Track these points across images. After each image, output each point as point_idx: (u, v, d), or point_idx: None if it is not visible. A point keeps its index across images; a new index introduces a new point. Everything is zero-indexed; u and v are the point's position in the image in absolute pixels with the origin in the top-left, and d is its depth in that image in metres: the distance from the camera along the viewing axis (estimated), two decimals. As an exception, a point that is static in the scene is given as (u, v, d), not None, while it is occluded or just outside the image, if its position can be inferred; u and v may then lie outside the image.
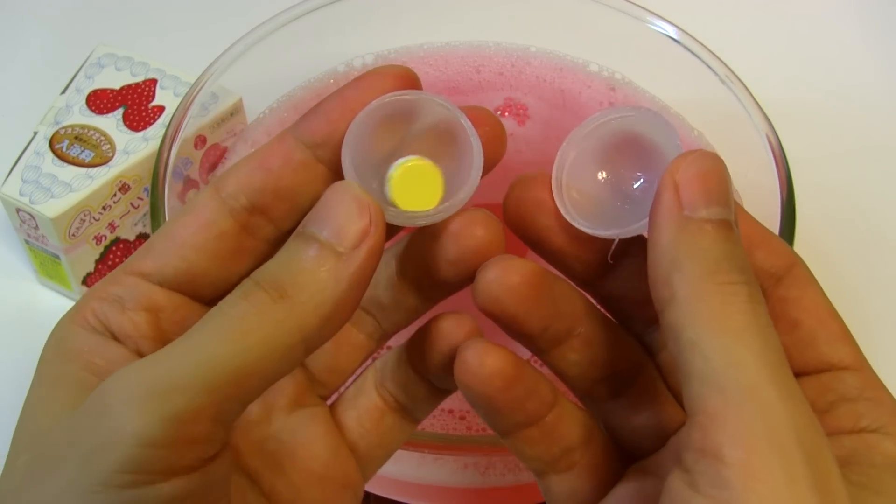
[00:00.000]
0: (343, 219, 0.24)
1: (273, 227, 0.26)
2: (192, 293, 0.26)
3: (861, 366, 0.25)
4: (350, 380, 0.30)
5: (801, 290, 0.26)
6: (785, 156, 0.44)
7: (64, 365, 0.24)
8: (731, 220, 0.23)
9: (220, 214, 0.25)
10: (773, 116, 0.46)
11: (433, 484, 0.41)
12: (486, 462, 0.39)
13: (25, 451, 0.23)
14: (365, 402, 0.30)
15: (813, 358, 0.25)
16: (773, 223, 0.43)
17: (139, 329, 0.25)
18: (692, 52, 0.49)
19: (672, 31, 0.50)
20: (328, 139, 0.25)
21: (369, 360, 0.30)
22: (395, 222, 0.25)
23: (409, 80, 0.26)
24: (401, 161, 0.26)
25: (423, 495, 0.42)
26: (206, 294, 0.26)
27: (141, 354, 0.25)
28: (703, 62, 0.49)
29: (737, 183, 0.47)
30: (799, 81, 0.61)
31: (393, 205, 0.26)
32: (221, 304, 0.24)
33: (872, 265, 0.55)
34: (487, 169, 0.26)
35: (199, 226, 0.25)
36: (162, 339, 0.25)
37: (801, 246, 0.42)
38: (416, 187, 0.26)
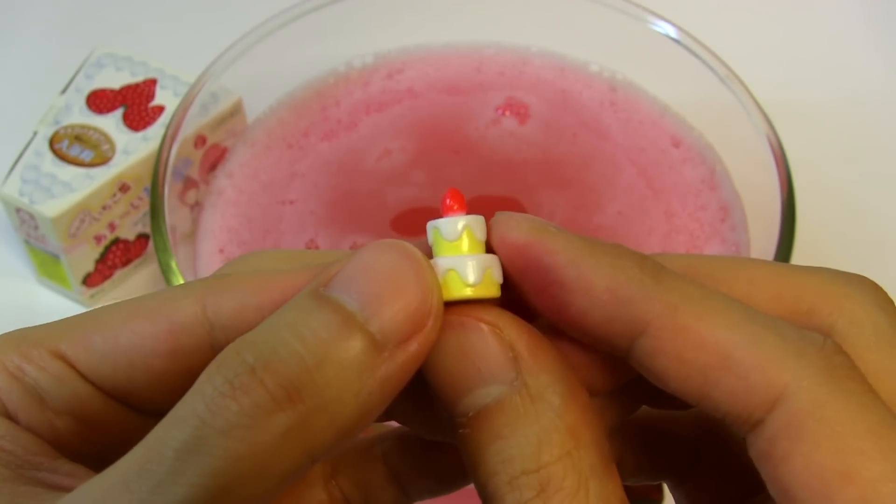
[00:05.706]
0: (393, 293, 0.17)
1: None
2: (129, 404, 0.20)
3: None
4: None
5: (794, 441, 0.16)
6: (785, 156, 0.44)
7: None
8: None
9: (198, 343, 0.19)
10: (773, 116, 0.46)
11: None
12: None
13: None
14: (308, 498, 0.23)
15: None
16: (773, 223, 0.43)
17: (61, 439, 0.19)
18: (692, 52, 0.49)
19: (672, 31, 0.50)
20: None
21: None
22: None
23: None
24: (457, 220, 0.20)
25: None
26: (148, 410, 0.20)
27: (59, 454, 0.19)
28: (703, 62, 0.49)
29: (737, 183, 0.47)
30: (799, 81, 0.61)
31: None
32: (194, 399, 0.17)
33: (872, 265, 0.54)
34: None
35: (166, 350, 0.19)
36: (96, 456, 0.19)
37: (801, 246, 0.42)
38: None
